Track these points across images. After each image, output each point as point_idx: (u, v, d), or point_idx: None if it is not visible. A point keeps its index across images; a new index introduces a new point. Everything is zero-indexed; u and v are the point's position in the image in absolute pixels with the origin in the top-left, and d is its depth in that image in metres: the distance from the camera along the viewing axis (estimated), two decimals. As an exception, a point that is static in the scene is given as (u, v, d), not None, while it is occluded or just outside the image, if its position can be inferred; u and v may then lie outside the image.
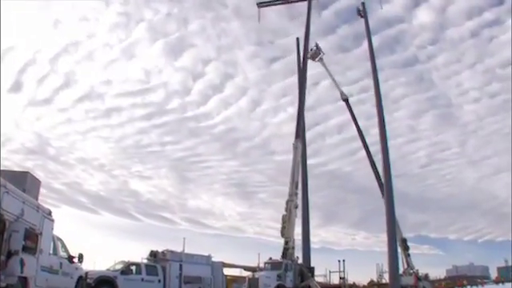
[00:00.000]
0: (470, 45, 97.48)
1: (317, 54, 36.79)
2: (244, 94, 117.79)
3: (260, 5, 37.15)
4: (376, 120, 32.72)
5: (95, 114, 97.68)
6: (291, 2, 37.90)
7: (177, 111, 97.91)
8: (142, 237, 79.73)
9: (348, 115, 41.19)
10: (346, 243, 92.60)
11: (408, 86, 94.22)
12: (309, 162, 35.42)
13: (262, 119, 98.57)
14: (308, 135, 38.90)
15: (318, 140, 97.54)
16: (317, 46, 37.76)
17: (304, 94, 30.94)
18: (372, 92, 33.71)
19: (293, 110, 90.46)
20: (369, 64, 34.53)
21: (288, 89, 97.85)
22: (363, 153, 38.67)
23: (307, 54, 32.02)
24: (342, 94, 41.01)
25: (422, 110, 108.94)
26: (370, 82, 34.83)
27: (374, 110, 33.20)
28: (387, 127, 31.93)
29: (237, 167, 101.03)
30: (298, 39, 39.52)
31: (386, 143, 31.20)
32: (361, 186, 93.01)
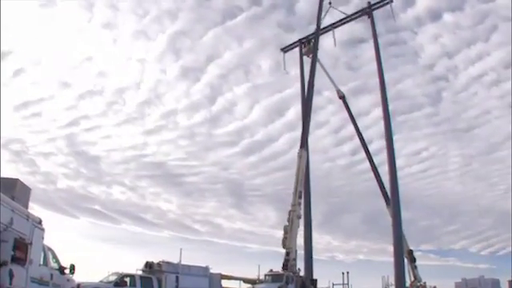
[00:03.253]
0: None
1: (311, 50, 36.65)
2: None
3: None
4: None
5: None
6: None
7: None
8: (91, 240, 71.22)
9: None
10: (321, 248, 75.22)
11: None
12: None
13: (121, 45, 76.46)
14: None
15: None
16: (310, 42, 37.74)
17: (310, 105, 31.08)
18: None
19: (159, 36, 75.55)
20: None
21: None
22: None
23: (312, 87, 31.78)
24: (338, 91, 40.94)
25: (355, 38, 63.33)
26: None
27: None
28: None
29: (140, 137, 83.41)
30: (301, 44, 39.59)
31: (393, 152, 31.12)
32: (317, 172, 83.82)
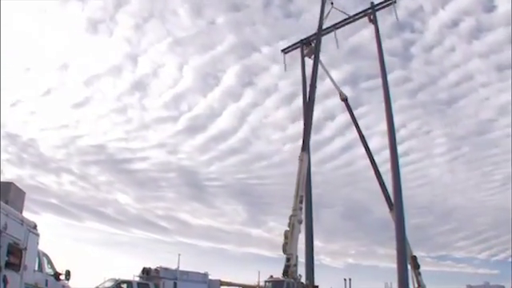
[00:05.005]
0: None
1: (312, 51, 36.58)
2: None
3: None
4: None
5: None
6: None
7: None
8: (64, 240, 69.21)
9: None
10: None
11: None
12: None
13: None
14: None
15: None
16: (311, 43, 37.73)
17: (312, 107, 31.02)
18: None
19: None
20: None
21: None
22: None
23: (314, 89, 31.64)
24: (340, 93, 40.83)
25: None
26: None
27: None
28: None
29: (69, 112, 75.13)
30: (302, 45, 39.63)
31: (396, 152, 31.07)
32: (278, 156, 68.67)
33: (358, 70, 56.77)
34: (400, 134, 56.38)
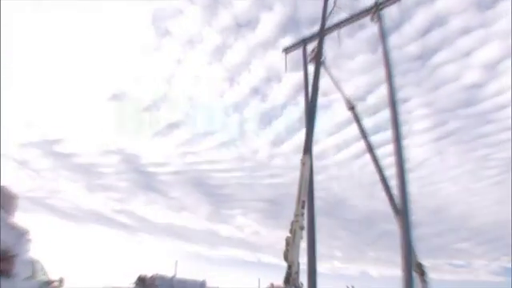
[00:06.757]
0: None
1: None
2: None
3: None
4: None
5: None
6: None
7: None
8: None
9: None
10: (281, 249, 57.52)
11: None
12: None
13: None
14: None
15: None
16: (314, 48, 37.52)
17: (315, 108, 30.90)
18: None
19: None
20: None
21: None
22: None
23: (317, 90, 31.47)
24: (348, 101, 39.97)
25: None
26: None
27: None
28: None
29: None
30: (304, 44, 39.54)
31: (402, 155, 30.98)
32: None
33: (297, 12, 43.72)
34: (368, 103, 41.35)
